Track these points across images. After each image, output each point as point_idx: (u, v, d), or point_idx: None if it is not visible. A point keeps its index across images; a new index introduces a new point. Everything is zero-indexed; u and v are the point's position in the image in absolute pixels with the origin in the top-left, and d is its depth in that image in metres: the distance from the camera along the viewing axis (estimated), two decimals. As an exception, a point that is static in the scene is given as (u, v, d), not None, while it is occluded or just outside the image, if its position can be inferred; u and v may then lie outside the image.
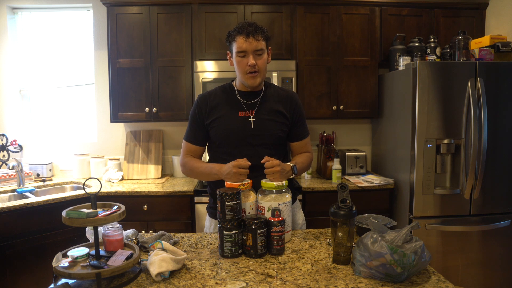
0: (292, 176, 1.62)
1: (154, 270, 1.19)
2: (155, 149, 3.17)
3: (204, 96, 1.72)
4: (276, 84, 2.30)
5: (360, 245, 1.22)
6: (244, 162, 1.50)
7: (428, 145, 2.48)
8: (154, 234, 1.53)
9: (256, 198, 1.48)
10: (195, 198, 2.65)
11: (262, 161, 1.52)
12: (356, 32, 2.98)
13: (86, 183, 2.99)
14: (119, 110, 2.94)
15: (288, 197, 1.48)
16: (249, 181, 1.48)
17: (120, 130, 3.29)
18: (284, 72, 2.85)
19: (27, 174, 2.93)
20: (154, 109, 2.92)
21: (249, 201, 1.45)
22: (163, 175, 3.18)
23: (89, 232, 1.38)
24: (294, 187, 1.81)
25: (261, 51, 1.60)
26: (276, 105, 1.69)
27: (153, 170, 3.09)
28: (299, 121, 1.75)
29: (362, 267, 1.20)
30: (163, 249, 1.30)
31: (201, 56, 2.91)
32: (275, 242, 1.37)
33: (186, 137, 1.75)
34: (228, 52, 1.69)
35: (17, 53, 3.26)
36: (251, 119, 1.65)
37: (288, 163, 1.61)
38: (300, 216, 1.82)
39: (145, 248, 1.44)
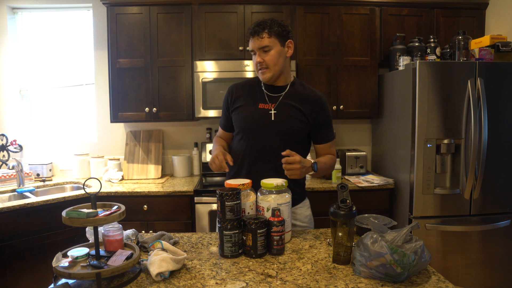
0: (311, 173, 1.63)
1: (154, 270, 1.19)
2: (155, 149, 3.17)
3: (233, 86, 1.82)
4: None
5: (360, 245, 1.21)
6: (224, 156, 1.59)
7: (428, 145, 2.48)
8: (154, 234, 1.52)
9: (256, 198, 1.48)
10: (195, 198, 2.65)
11: (284, 153, 1.50)
12: (356, 32, 2.98)
13: (86, 183, 2.99)
14: (119, 110, 2.94)
15: (288, 197, 1.48)
16: (248, 181, 1.48)
17: (120, 130, 3.29)
18: (284, 72, 2.84)
19: (27, 174, 2.93)
20: (154, 109, 2.92)
21: (249, 201, 1.45)
22: (163, 175, 3.18)
23: (89, 232, 1.38)
24: (303, 188, 1.82)
25: (266, 47, 1.64)
26: (298, 103, 1.71)
27: (153, 170, 3.09)
28: (325, 124, 1.75)
29: (362, 267, 1.20)
30: (163, 249, 1.30)
31: (201, 56, 2.91)
32: (275, 242, 1.37)
33: (220, 122, 1.90)
34: None
35: (17, 53, 3.26)
36: (271, 112, 1.69)
37: (308, 159, 1.62)
38: (308, 215, 1.82)
39: (145, 248, 1.44)
